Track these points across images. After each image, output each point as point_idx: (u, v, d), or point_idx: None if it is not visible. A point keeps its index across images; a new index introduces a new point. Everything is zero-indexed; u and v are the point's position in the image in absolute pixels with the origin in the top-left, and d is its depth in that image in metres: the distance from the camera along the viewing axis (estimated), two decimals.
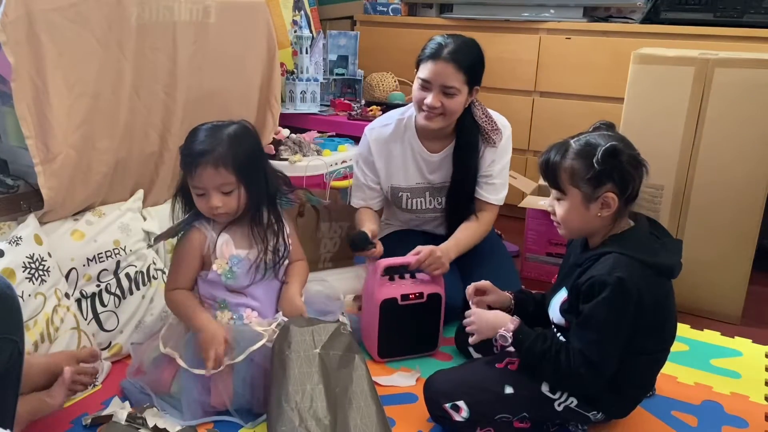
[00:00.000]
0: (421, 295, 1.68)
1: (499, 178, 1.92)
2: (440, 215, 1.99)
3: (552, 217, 1.38)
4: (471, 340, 1.43)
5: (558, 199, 1.34)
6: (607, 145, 1.24)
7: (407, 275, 1.72)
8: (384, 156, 1.93)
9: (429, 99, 1.76)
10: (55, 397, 1.29)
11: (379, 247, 1.74)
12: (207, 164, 1.40)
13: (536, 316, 1.50)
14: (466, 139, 1.86)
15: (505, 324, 1.36)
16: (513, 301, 1.56)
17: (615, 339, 1.26)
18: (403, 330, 1.70)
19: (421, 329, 1.73)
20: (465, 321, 1.44)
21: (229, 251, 1.48)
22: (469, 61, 1.75)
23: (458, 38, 1.77)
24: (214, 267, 1.48)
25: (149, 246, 1.74)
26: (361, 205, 1.99)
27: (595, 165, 1.24)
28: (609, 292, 1.22)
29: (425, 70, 1.76)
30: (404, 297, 1.67)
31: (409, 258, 1.70)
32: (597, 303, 1.24)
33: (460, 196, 1.92)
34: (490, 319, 1.40)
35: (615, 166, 1.24)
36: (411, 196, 1.96)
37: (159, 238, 1.62)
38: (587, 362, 1.25)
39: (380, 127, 1.95)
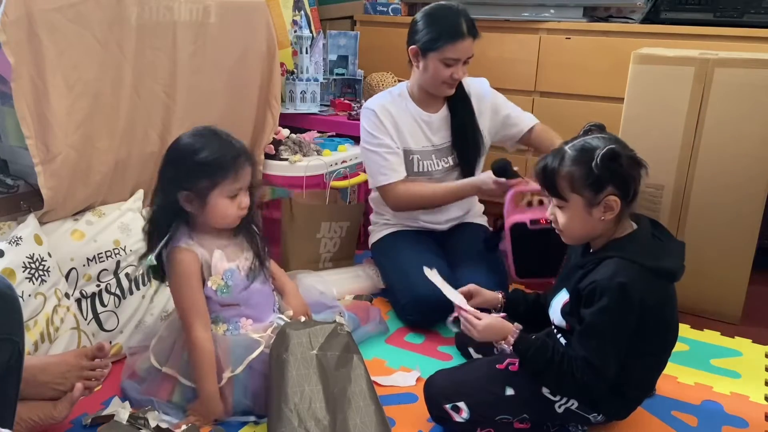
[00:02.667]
0: (549, 221, 1.74)
1: (514, 110, 2.08)
2: (451, 171, 2.05)
3: (553, 225, 1.37)
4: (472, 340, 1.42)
5: (559, 207, 1.33)
6: (605, 149, 1.22)
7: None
8: (391, 121, 2.00)
9: (458, 73, 1.88)
10: (61, 410, 1.29)
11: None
12: (246, 162, 1.41)
13: (527, 317, 1.50)
14: (456, 92, 1.98)
15: (505, 336, 1.34)
16: (503, 301, 1.56)
17: (617, 344, 1.25)
18: (534, 253, 1.76)
19: (550, 253, 1.74)
20: (464, 324, 1.41)
21: (223, 266, 1.46)
22: (475, 25, 1.87)
23: (456, 6, 1.87)
24: (209, 284, 1.44)
25: (145, 272, 1.67)
26: (394, 180, 1.98)
27: (594, 170, 1.23)
28: (610, 298, 1.22)
29: (456, 51, 1.85)
30: (533, 222, 1.75)
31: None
32: (599, 310, 1.23)
33: (465, 150, 2.02)
34: (492, 328, 1.37)
35: (614, 169, 1.24)
36: (421, 158, 2.02)
37: (144, 257, 1.49)
38: (591, 369, 1.24)
39: (378, 99, 2.04)
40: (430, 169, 2.03)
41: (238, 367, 1.42)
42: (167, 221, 1.44)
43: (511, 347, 1.33)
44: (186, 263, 1.43)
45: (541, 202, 1.82)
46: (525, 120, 2.07)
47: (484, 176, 1.88)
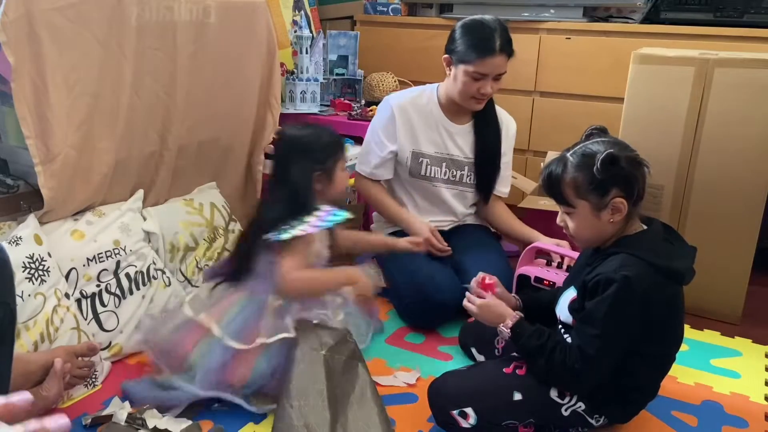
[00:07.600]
0: (553, 284, 1.76)
1: (506, 170, 2.10)
2: (455, 189, 2.06)
3: (565, 231, 1.38)
4: (471, 319, 1.45)
5: (568, 214, 1.34)
6: (604, 153, 1.23)
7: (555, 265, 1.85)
8: (407, 122, 2.00)
9: (486, 89, 1.88)
10: (49, 389, 1.29)
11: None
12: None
13: (541, 314, 1.49)
14: (485, 111, 1.99)
15: (504, 320, 1.37)
16: (521, 304, 1.56)
17: (614, 336, 1.24)
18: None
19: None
20: (468, 303, 1.45)
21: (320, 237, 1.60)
22: (511, 43, 1.87)
23: (495, 22, 1.86)
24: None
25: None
26: (366, 173, 2.05)
27: (597, 174, 1.24)
28: (613, 290, 1.21)
29: (485, 66, 1.85)
30: (537, 280, 1.79)
31: (566, 252, 1.81)
32: (600, 300, 1.23)
33: (485, 170, 2.05)
34: (494, 311, 1.41)
35: (616, 172, 1.24)
36: (431, 162, 2.03)
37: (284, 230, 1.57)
38: (583, 357, 1.24)
39: (402, 96, 2.03)
40: (435, 176, 2.04)
41: (272, 338, 1.44)
42: (311, 201, 1.56)
43: (509, 330, 1.35)
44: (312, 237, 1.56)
45: (559, 266, 1.84)
46: (500, 185, 2.10)
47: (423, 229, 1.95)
